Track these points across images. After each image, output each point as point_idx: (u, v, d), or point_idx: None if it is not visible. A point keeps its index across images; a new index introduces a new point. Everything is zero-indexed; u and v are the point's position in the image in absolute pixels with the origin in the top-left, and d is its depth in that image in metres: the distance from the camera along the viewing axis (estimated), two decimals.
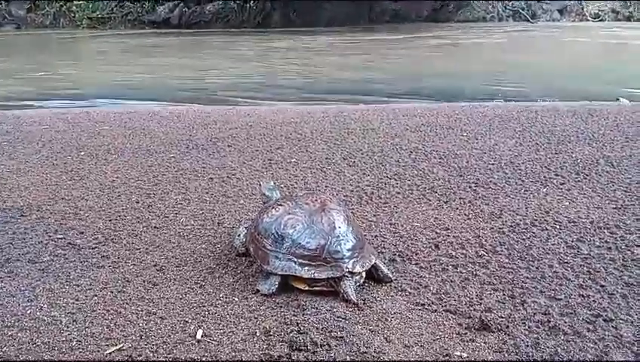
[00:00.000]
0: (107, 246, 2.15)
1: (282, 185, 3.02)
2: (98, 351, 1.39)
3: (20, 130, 4.55)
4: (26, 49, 12.82)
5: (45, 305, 1.63)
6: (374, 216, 2.50)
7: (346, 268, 1.68)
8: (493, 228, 2.29)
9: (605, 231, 2.21)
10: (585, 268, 1.88)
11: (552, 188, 2.83)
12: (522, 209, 2.52)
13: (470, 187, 2.90)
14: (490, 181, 3.00)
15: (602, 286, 1.74)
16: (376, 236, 2.23)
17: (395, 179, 3.10)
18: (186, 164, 3.47)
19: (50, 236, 2.26)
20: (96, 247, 2.15)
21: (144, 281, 1.83)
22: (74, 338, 1.45)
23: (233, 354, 1.38)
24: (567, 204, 2.57)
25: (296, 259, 1.71)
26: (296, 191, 2.83)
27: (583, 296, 1.69)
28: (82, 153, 3.76)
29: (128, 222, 2.44)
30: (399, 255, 2.04)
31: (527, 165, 3.29)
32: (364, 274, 1.76)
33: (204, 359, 1.35)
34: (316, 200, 1.82)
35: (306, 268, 1.69)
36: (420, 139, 4.14)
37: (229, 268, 1.94)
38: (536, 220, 2.36)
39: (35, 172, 3.27)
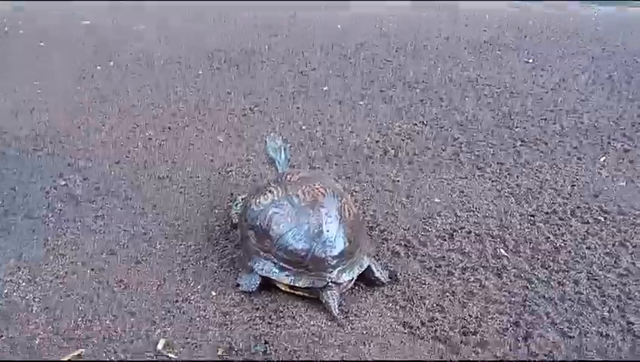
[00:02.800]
0: (105, 201, 2.09)
1: (303, 125, 2.79)
2: (59, 354, 1.37)
3: (65, 25, 4.43)
4: None
5: (24, 283, 1.62)
6: (393, 181, 2.25)
7: (330, 278, 1.52)
8: (523, 214, 2.00)
9: None
10: (617, 291, 1.61)
11: (612, 157, 2.42)
12: (567, 188, 2.18)
13: (514, 146, 2.54)
14: (542, 138, 2.60)
15: (629, 323, 1.49)
16: (387, 213, 2.02)
17: (431, 126, 2.76)
18: (212, 86, 3.26)
19: (54, 181, 2.22)
20: (94, 201, 2.09)
21: (128, 256, 1.76)
22: (39, 334, 1.43)
23: None
24: (624, 184, 2.19)
25: (276, 261, 1.56)
26: (308, 141, 2.57)
27: (601, 334, 1.46)
28: (112, 63, 3.63)
29: (132, 169, 2.34)
30: (405, 245, 1.84)
31: (591, 116, 2.82)
32: (355, 277, 1.59)
33: None
34: (309, 192, 1.61)
35: (286, 272, 1.54)
36: (476, 65, 3.65)
37: (218, 245, 1.83)
38: (578, 207, 2.04)
39: (60, 89, 3.19)
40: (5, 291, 1.58)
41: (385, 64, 3.66)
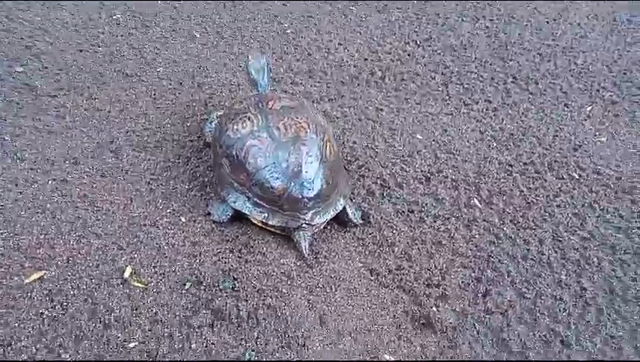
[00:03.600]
0: (67, 98, 1.92)
1: (288, 27, 2.57)
2: (19, 274, 1.32)
3: None
4: None
5: None
6: (377, 109, 2.16)
7: (304, 220, 1.49)
8: (502, 162, 1.99)
9: (627, 197, 1.90)
10: (577, 256, 1.66)
11: (598, 107, 2.38)
12: (549, 137, 2.15)
13: (505, 82, 2.45)
14: (533, 77, 2.51)
15: (583, 289, 1.56)
16: (367, 147, 1.96)
17: (423, 49, 2.61)
18: None
19: (9, 67, 2.01)
20: (55, 96, 1.92)
21: (93, 168, 1.66)
22: None
23: (154, 309, 1.31)
24: (604, 140, 2.18)
25: (251, 196, 1.50)
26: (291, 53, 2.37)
27: (555, 297, 1.53)
28: None
29: (98, 61, 2.14)
30: (382, 184, 1.81)
31: (585, 58, 2.72)
32: (328, 219, 1.57)
33: (121, 309, 1.29)
34: (291, 125, 1.51)
35: (260, 209, 1.50)
36: None
37: (189, 165, 1.75)
38: (556, 161, 2.03)
39: None
40: None
41: None
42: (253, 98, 1.65)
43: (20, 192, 1.54)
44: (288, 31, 2.56)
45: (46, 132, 1.77)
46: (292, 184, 1.47)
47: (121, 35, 2.32)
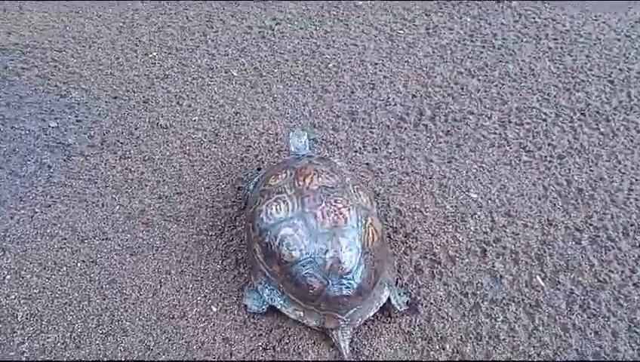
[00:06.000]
0: (100, 158, 1.85)
1: (330, 60, 2.39)
2: None
3: None
4: None
5: (9, 275, 1.47)
6: (427, 161, 1.96)
7: (342, 321, 1.35)
8: (569, 227, 1.76)
9: None
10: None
11: None
12: (623, 192, 1.89)
13: (572, 120, 2.18)
14: (604, 112, 2.23)
15: None
16: (415, 209, 1.78)
17: (478, 79, 2.37)
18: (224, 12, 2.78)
19: (43, 119, 1.96)
20: (88, 156, 1.85)
21: (123, 245, 1.58)
22: (24, 352, 1.31)
23: None
24: None
25: (284, 291, 1.37)
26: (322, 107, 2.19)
27: None
28: None
29: (132, 111, 2.05)
30: (431, 258, 1.63)
31: None
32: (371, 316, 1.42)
33: None
34: (329, 212, 1.36)
35: (294, 307, 1.37)
36: None
37: (222, 238, 1.64)
38: (632, 225, 1.78)
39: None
40: None
41: None
42: (290, 172, 1.51)
43: (48, 278, 1.48)
44: (330, 65, 2.38)
45: (77, 200, 1.70)
46: (330, 282, 1.32)
47: (156, 78, 2.22)
